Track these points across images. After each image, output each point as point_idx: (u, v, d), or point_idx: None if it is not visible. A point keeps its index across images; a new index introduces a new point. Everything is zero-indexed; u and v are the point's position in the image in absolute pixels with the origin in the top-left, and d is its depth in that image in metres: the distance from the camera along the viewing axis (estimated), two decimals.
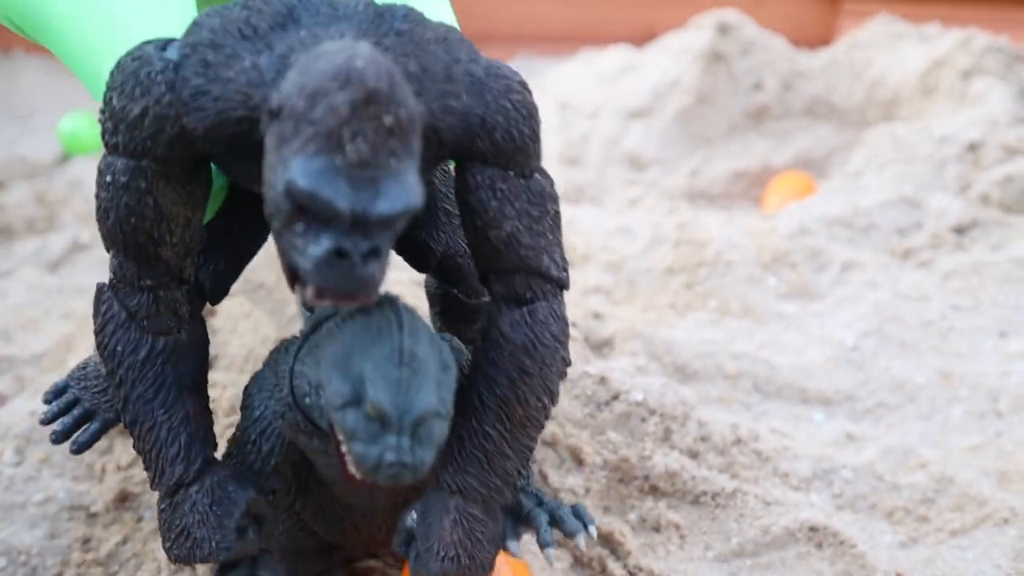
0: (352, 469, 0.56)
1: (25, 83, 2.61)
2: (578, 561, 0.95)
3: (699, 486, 1.01)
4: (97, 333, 0.64)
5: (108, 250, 0.63)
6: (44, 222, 1.81)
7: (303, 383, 0.63)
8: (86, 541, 0.93)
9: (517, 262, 0.63)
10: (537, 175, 0.64)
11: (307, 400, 0.63)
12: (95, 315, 0.65)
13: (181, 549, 0.66)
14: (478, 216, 0.62)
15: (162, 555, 0.91)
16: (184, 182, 0.61)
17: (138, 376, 0.64)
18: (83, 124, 2.15)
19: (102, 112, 0.59)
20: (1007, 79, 1.99)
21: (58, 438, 0.77)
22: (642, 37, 2.70)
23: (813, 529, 0.96)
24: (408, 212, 0.50)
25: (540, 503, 0.72)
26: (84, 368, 0.79)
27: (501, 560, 0.79)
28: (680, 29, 2.37)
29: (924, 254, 1.55)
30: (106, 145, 0.59)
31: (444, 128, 0.59)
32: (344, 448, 0.56)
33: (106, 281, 0.65)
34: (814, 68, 2.26)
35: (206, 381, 0.69)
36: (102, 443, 1.02)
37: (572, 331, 1.24)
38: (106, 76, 0.62)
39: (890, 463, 1.10)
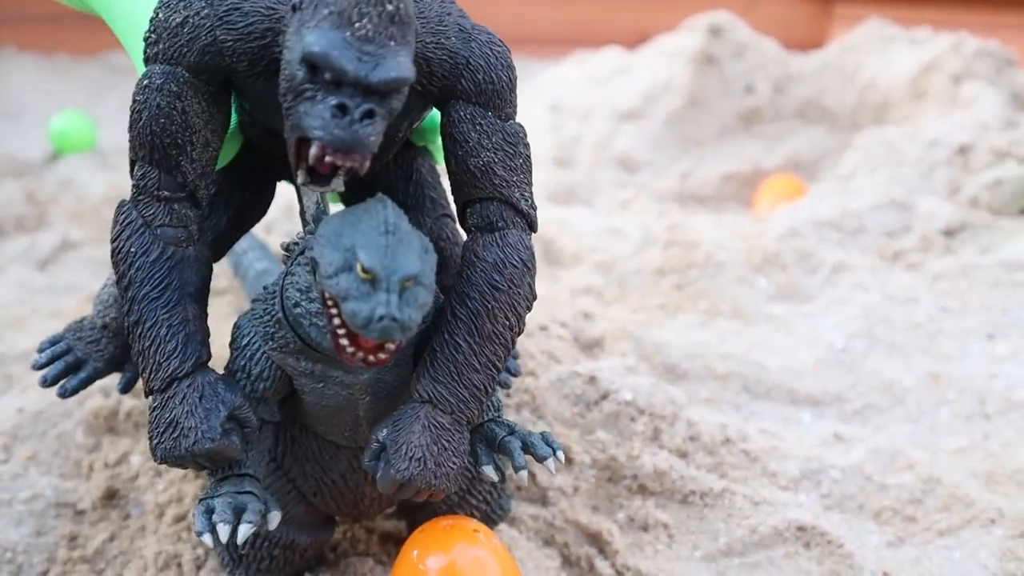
0: (344, 343, 0.62)
1: (16, 82, 2.60)
2: (566, 560, 0.96)
3: (687, 486, 1.01)
4: (113, 240, 0.71)
5: (134, 163, 0.70)
6: (33, 221, 1.81)
7: (293, 292, 0.68)
8: (73, 538, 0.93)
9: (492, 190, 0.72)
10: (512, 121, 0.73)
11: (297, 310, 0.68)
12: (114, 224, 0.71)
13: (167, 441, 0.69)
14: (460, 146, 0.72)
15: (149, 552, 0.90)
16: (208, 101, 0.69)
17: (146, 276, 0.70)
18: (74, 123, 2.14)
19: (149, 28, 0.69)
20: (997, 83, 2.00)
21: (48, 382, 0.82)
22: (634, 39, 2.70)
23: (801, 529, 0.97)
24: (400, 83, 0.60)
25: (512, 432, 0.76)
26: (81, 321, 0.85)
27: (490, 556, 0.79)
28: (672, 32, 2.37)
29: (913, 256, 1.55)
30: (147, 58, 0.69)
31: (434, 60, 0.70)
32: (336, 321, 0.62)
33: (127, 199, 0.71)
34: (806, 71, 2.27)
35: (207, 298, 0.74)
36: (89, 441, 1.02)
37: (562, 331, 1.24)
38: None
39: (878, 464, 1.11)
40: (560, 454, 0.76)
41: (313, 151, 0.61)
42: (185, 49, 0.67)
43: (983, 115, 1.83)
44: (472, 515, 0.87)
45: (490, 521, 0.89)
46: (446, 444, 0.71)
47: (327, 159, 0.61)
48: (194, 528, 0.68)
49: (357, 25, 0.59)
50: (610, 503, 1.01)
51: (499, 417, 0.78)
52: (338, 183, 0.64)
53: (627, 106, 2.20)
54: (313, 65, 0.60)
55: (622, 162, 2.14)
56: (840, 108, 2.22)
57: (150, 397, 0.70)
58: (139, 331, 0.70)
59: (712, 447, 1.07)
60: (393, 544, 0.93)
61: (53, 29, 2.85)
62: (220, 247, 0.84)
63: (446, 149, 0.73)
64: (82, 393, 1.05)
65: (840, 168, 1.92)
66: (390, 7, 0.60)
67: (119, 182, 1.95)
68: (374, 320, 0.59)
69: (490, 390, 0.73)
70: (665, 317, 1.44)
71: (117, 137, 2.28)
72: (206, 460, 0.70)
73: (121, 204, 0.71)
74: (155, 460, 0.70)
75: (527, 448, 0.75)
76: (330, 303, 0.63)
